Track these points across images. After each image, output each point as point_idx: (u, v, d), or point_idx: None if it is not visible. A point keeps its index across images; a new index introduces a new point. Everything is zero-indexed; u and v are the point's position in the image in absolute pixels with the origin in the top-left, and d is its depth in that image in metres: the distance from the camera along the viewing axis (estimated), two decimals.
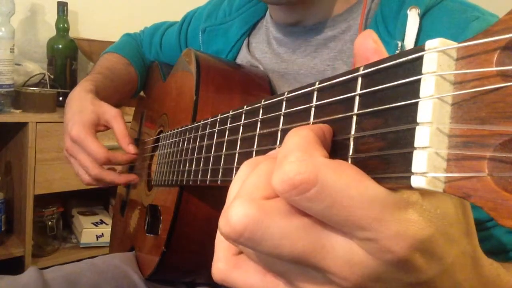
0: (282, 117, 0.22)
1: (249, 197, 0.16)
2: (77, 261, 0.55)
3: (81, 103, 0.56)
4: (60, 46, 1.18)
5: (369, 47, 0.18)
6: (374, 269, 0.16)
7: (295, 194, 0.14)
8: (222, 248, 0.19)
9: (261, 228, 0.15)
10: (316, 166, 0.14)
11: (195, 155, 0.35)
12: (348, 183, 0.14)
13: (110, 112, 0.55)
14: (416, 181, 0.14)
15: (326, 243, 0.16)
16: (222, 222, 0.16)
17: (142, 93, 0.77)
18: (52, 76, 1.15)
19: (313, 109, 0.19)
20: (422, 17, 0.39)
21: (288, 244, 0.15)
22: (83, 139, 0.52)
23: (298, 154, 0.15)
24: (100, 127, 0.56)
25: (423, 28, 0.39)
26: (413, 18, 0.38)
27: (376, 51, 0.18)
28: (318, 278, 0.17)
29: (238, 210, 0.15)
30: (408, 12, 0.39)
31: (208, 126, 0.33)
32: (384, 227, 0.15)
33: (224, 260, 0.19)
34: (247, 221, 0.15)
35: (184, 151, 0.39)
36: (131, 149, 0.55)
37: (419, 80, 0.14)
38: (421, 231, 0.15)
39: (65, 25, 1.18)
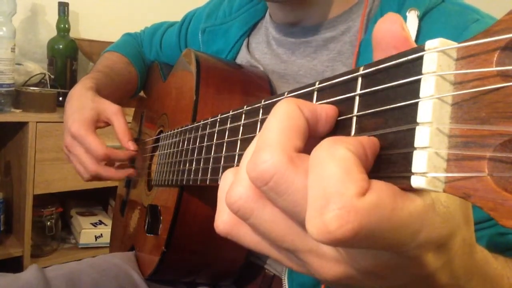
0: None
1: (281, 147, 0.15)
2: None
3: (82, 100, 0.56)
4: (61, 46, 1.18)
5: (398, 35, 0.15)
6: (394, 260, 0.16)
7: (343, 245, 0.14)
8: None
9: (286, 181, 0.15)
10: (358, 213, 0.13)
11: (195, 155, 0.35)
12: (390, 218, 0.14)
13: (110, 109, 0.55)
14: (416, 181, 0.14)
15: None
16: (250, 166, 0.15)
17: (142, 93, 0.77)
18: (52, 76, 1.15)
19: None
20: (421, 19, 0.39)
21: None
22: (82, 136, 0.52)
23: (338, 199, 0.13)
24: (100, 124, 0.56)
25: (422, 30, 0.39)
26: (412, 20, 0.38)
27: (407, 39, 0.15)
28: (329, 254, 0.16)
29: (267, 158, 0.15)
30: (407, 14, 0.39)
31: (208, 126, 0.33)
32: (416, 238, 0.15)
33: (230, 213, 0.18)
34: (275, 171, 0.15)
35: (184, 151, 0.39)
36: (131, 145, 0.55)
37: (419, 80, 0.14)
38: (439, 232, 0.15)
39: (66, 26, 1.18)
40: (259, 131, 0.24)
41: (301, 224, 0.16)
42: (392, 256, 0.16)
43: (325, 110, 0.17)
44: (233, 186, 0.17)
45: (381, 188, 0.14)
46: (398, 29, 0.16)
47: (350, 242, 0.13)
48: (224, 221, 0.18)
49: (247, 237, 0.18)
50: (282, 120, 0.16)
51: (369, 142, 0.15)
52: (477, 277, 0.20)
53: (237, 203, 0.17)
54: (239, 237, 0.18)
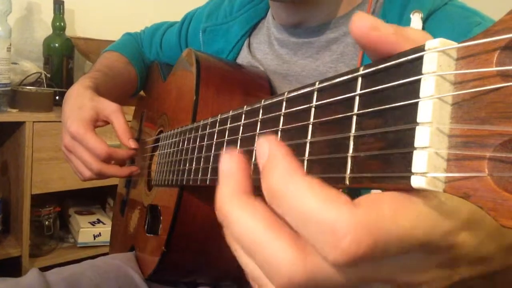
0: (282, 117, 0.22)
1: (297, 254, 0.15)
2: (75, 261, 0.55)
3: (80, 100, 0.55)
4: (57, 45, 1.17)
5: (363, 29, 0.16)
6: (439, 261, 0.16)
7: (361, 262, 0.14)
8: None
9: (321, 273, 0.15)
10: (364, 227, 0.13)
11: (195, 154, 0.35)
12: (397, 223, 0.14)
13: (109, 108, 0.55)
14: (416, 181, 0.14)
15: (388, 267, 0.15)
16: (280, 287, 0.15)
17: (142, 93, 0.77)
18: (48, 75, 1.14)
19: (313, 109, 0.19)
20: (424, 21, 0.39)
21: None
22: (82, 135, 0.52)
23: (339, 227, 0.13)
24: (99, 123, 0.56)
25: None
26: (416, 22, 0.39)
27: (373, 27, 0.16)
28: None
29: (291, 270, 0.15)
30: (411, 16, 0.39)
31: (208, 126, 0.33)
32: (436, 233, 0.15)
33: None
34: (308, 276, 0.15)
35: (184, 151, 0.39)
36: (131, 143, 0.55)
37: (419, 80, 0.14)
38: (459, 216, 0.15)
39: (62, 24, 1.17)
40: (259, 131, 0.24)
41: None
42: (428, 255, 0.16)
43: (246, 164, 0.18)
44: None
45: (373, 198, 0.14)
46: (364, 23, 0.16)
47: (375, 253, 0.14)
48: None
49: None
50: (255, 225, 0.16)
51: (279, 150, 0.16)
52: None
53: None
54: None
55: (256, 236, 0.16)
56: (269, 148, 0.16)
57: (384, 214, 0.14)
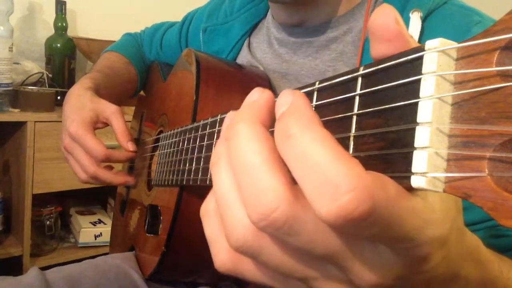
0: None
1: (282, 186, 0.14)
2: (76, 260, 0.55)
3: (80, 100, 0.55)
4: (59, 45, 1.17)
5: (391, 28, 0.15)
6: (400, 269, 0.16)
7: (353, 228, 0.14)
8: (224, 240, 0.18)
9: (299, 223, 0.15)
10: (370, 192, 0.13)
11: (195, 154, 0.35)
12: (397, 200, 0.14)
13: (109, 109, 0.55)
14: (416, 181, 0.14)
15: (357, 247, 0.15)
16: (257, 216, 0.15)
17: (142, 93, 0.77)
18: (50, 75, 1.15)
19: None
20: (424, 20, 0.39)
21: (322, 241, 0.15)
22: (81, 136, 0.52)
23: (347, 181, 0.13)
24: (99, 124, 0.56)
25: (425, 31, 0.39)
26: (415, 21, 0.38)
27: (400, 34, 0.15)
28: (337, 279, 0.16)
29: (275, 204, 0.14)
30: (410, 15, 0.39)
31: (208, 126, 0.33)
32: (422, 235, 0.15)
33: (230, 251, 0.17)
34: (287, 216, 0.14)
35: (184, 151, 0.39)
36: (130, 146, 0.55)
37: (419, 80, 0.14)
38: (442, 232, 0.15)
39: (64, 24, 1.18)
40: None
41: (314, 256, 0.16)
42: (396, 260, 0.16)
43: (273, 101, 0.17)
44: (233, 228, 0.16)
45: (379, 174, 0.14)
46: (392, 23, 0.15)
47: (366, 222, 0.13)
48: (224, 260, 0.18)
49: (252, 273, 0.18)
50: (259, 151, 0.15)
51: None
52: (470, 262, 0.20)
53: (245, 245, 0.16)
54: (243, 274, 0.18)
55: (253, 164, 0.15)
56: (293, 98, 0.16)
57: (389, 191, 0.14)
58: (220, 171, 0.17)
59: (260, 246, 0.16)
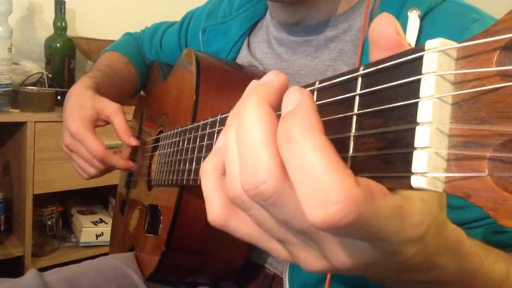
0: None
1: (275, 161, 0.16)
2: (77, 260, 0.55)
3: (81, 99, 0.56)
4: (58, 45, 1.17)
5: (391, 38, 0.16)
6: (374, 258, 0.17)
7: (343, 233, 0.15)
8: (218, 197, 0.20)
9: (285, 198, 0.16)
10: (358, 204, 0.14)
11: (195, 154, 0.35)
12: (381, 208, 0.15)
13: (110, 107, 0.55)
14: (416, 181, 0.14)
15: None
16: (248, 185, 0.16)
17: (142, 92, 0.77)
18: (50, 75, 1.15)
19: None
20: (422, 18, 0.39)
21: (302, 220, 0.16)
22: (82, 135, 0.52)
23: (338, 192, 0.14)
24: (99, 122, 0.56)
25: (423, 30, 0.39)
26: (413, 20, 0.38)
27: (400, 43, 0.16)
28: (314, 251, 0.18)
29: (265, 178, 0.16)
30: (408, 13, 0.39)
31: (208, 126, 0.33)
32: (399, 237, 0.16)
33: (222, 208, 0.19)
34: (274, 190, 0.16)
35: (184, 151, 0.39)
36: (133, 141, 0.56)
37: (419, 80, 0.14)
38: (418, 231, 0.17)
39: (63, 24, 1.18)
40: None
41: (294, 228, 0.17)
42: (373, 252, 0.17)
43: (285, 86, 0.18)
44: (233, 181, 0.18)
45: (369, 183, 0.15)
46: (392, 32, 0.16)
47: (349, 230, 0.15)
48: (217, 215, 0.20)
49: (239, 229, 0.20)
50: (262, 129, 0.17)
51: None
52: (448, 254, 0.21)
53: (240, 197, 0.18)
54: (232, 229, 0.20)
55: (254, 139, 0.16)
56: (300, 98, 0.16)
57: (376, 202, 0.15)
58: (229, 135, 0.19)
59: (252, 203, 0.18)
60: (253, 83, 0.20)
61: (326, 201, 0.14)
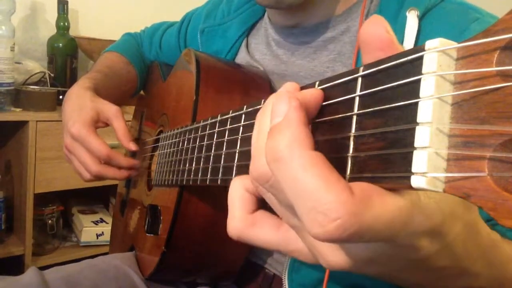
0: None
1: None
2: (78, 260, 0.55)
3: (80, 101, 0.56)
4: (61, 44, 1.17)
5: (382, 37, 0.16)
6: (386, 251, 0.17)
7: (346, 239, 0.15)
8: (238, 207, 0.20)
9: (280, 184, 0.16)
10: (357, 217, 0.14)
11: (195, 154, 0.35)
12: (381, 211, 0.15)
13: (110, 110, 0.55)
14: (416, 181, 0.14)
15: None
16: (252, 175, 0.18)
17: (142, 92, 0.77)
18: (52, 75, 1.15)
19: None
20: (421, 18, 0.39)
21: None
22: (84, 136, 0.52)
23: (334, 210, 0.14)
24: (99, 124, 0.56)
25: (423, 30, 0.39)
26: (412, 20, 0.38)
27: (392, 42, 0.16)
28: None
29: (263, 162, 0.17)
30: (407, 14, 0.39)
31: (208, 126, 0.33)
32: (405, 232, 0.16)
33: (240, 219, 0.20)
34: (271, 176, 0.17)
35: (184, 151, 0.39)
36: (132, 146, 0.55)
37: (419, 80, 0.14)
38: (427, 224, 0.16)
39: (66, 24, 1.18)
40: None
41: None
42: (385, 245, 0.17)
43: (313, 96, 0.18)
44: (257, 165, 0.19)
45: (365, 188, 0.15)
46: (383, 32, 0.16)
47: (351, 240, 0.15)
48: (236, 227, 0.20)
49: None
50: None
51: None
52: (482, 261, 0.20)
53: (262, 176, 0.18)
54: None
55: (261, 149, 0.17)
56: (288, 109, 0.16)
57: (375, 207, 0.15)
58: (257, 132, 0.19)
59: (259, 187, 0.19)
60: (291, 86, 0.19)
61: (324, 220, 0.14)
